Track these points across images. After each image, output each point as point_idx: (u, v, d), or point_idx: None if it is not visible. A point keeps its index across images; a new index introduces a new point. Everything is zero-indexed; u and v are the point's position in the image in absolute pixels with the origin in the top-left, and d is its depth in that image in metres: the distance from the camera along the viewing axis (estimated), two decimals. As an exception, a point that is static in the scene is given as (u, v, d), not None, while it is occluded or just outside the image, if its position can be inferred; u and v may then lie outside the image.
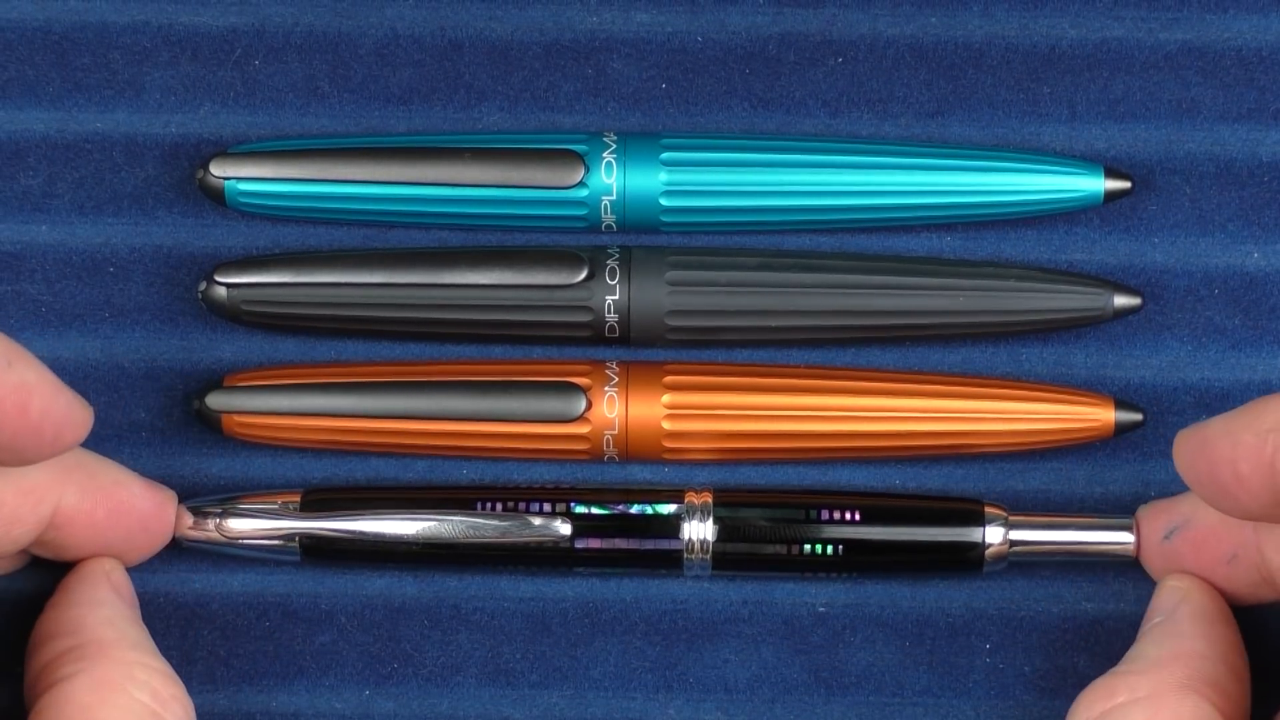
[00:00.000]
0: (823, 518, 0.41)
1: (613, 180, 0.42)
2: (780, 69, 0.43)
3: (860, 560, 0.41)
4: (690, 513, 0.41)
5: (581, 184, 0.42)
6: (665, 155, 0.42)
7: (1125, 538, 0.40)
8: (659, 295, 0.42)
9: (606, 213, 0.42)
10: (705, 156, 0.42)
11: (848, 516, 0.41)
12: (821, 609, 0.42)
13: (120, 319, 0.43)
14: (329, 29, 0.43)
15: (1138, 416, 0.41)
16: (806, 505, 0.41)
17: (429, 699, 0.41)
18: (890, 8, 0.43)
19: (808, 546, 0.40)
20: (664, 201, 0.42)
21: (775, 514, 0.41)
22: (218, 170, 0.42)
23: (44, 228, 0.43)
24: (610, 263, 0.42)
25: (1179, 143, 0.43)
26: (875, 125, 0.43)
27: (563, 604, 0.42)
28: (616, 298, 0.42)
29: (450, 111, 0.43)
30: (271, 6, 0.43)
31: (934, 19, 0.43)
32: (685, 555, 0.41)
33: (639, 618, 0.42)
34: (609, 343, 0.42)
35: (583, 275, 0.41)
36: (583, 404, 0.41)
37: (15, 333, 0.42)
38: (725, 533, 0.41)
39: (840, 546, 0.40)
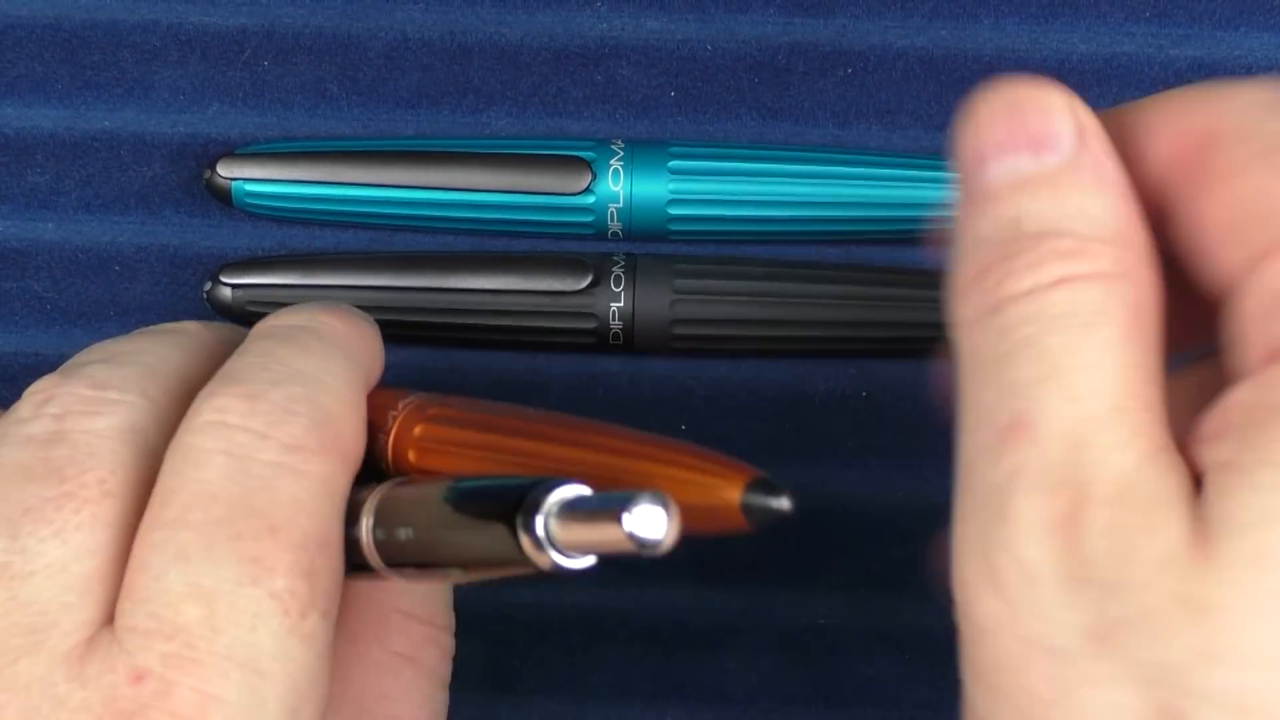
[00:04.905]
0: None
1: (619, 188, 0.42)
2: (789, 79, 0.43)
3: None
4: None
5: (588, 191, 0.42)
6: (673, 164, 0.42)
7: None
8: (664, 303, 0.42)
9: (613, 220, 0.42)
10: (713, 165, 0.42)
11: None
12: (821, 621, 0.42)
13: (125, 318, 0.43)
14: (339, 31, 0.43)
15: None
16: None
17: (427, 704, 0.41)
18: (901, 19, 0.43)
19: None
20: (671, 210, 0.42)
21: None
22: (225, 171, 0.42)
23: (50, 225, 0.43)
24: (616, 270, 0.42)
25: (1188, 160, 0.43)
26: (884, 137, 0.43)
27: (562, 611, 0.42)
28: (621, 305, 0.41)
29: (458, 116, 0.43)
30: (282, 8, 0.43)
31: (944, 31, 0.43)
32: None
33: (638, 626, 0.42)
34: (613, 350, 0.42)
35: (587, 282, 0.41)
36: (585, 410, 0.41)
37: (21, 330, 0.42)
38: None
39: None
